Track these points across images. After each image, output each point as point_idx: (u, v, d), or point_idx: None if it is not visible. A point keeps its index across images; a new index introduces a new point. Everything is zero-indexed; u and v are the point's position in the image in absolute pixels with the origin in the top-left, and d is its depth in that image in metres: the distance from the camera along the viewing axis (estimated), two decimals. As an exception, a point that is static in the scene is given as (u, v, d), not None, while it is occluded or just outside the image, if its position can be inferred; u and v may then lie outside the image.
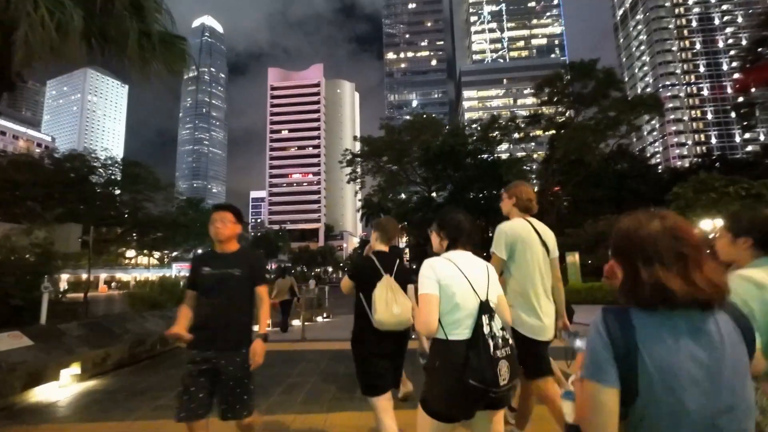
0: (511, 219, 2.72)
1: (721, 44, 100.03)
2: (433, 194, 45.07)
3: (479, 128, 33.58)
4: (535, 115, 29.34)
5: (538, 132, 33.07)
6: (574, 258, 12.67)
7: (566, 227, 31.75)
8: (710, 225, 19.37)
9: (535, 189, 40.22)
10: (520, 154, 37.25)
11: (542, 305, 2.51)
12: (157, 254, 67.33)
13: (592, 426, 0.93)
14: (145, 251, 64.43)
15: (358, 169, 45.72)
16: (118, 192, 26.25)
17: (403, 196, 50.19)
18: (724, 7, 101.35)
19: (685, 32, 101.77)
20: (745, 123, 21.51)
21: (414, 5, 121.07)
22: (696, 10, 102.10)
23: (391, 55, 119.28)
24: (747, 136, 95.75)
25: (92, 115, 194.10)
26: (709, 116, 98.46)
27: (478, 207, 40.48)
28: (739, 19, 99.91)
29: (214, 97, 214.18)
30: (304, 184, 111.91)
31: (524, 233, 2.58)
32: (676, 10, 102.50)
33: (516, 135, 30.60)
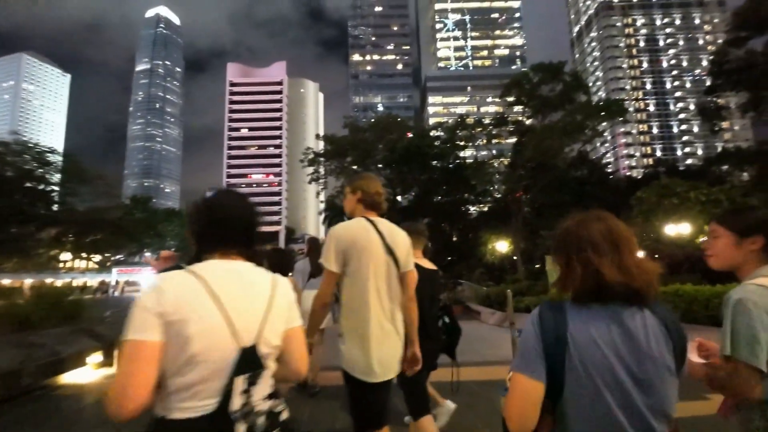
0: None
1: (665, 64, 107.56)
2: (398, 197, 44.11)
3: (446, 128, 32.88)
4: (502, 117, 28.96)
5: (503, 138, 32.86)
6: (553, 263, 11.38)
7: (531, 232, 31.65)
8: (674, 230, 19.42)
9: (500, 194, 40.23)
10: (485, 153, 37.05)
11: (382, 336, 1.93)
12: (97, 257, 61.55)
13: (514, 418, 0.94)
14: (83, 254, 58.57)
15: (321, 169, 43.89)
16: (49, 187, 22.72)
17: (367, 199, 48.72)
18: (668, 30, 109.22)
19: (634, 51, 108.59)
20: (712, 125, 22.03)
21: (380, 8, 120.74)
22: (643, 31, 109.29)
23: (356, 57, 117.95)
24: (687, 150, 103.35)
25: (28, 105, 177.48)
26: (655, 130, 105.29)
27: (445, 211, 39.92)
28: (681, 42, 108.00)
29: (168, 92, 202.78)
30: (265, 185, 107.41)
31: (362, 237, 1.97)
32: (626, 30, 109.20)
33: (482, 140, 30.10)
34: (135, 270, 52.09)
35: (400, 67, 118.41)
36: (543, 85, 25.09)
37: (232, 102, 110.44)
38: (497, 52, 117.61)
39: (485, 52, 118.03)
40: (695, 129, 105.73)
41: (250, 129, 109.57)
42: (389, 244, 2.01)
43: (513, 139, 34.26)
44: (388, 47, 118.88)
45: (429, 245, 3.26)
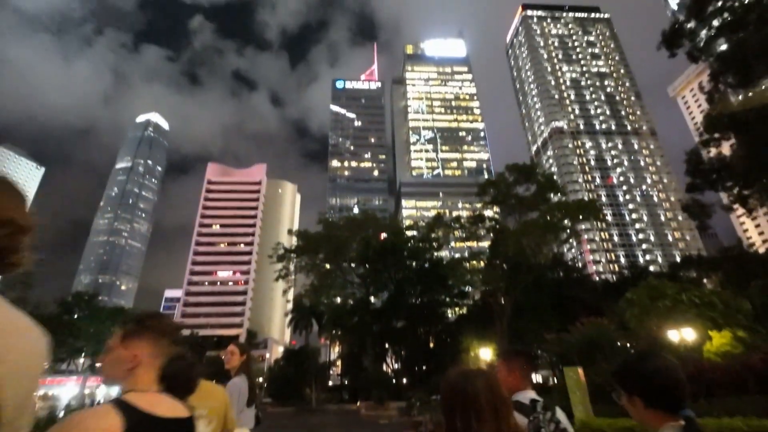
0: None
1: (615, 180, 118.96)
2: (372, 298, 41.43)
3: (425, 225, 32.40)
4: (479, 215, 28.84)
5: (478, 239, 32.57)
6: (576, 375, 7.75)
7: (514, 336, 29.11)
8: (676, 335, 17.72)
9: (478, 295, 38.29)
10: (458, 255, 36.12)
11: None
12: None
13: None
14: None
15: (291, 266, 41.52)
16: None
17: (338, 299, 45.82)
18: (613, 152, 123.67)
19: (587, 168, 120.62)
20: (701, 223, 22.17)
21: (359, 123, 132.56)
22: (592, 152, 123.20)
23: (335, 163, 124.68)
24: (648, 257, 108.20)
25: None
26: (616, 239, 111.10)
27: (420, 313, 37.21)
28: (625, 162, 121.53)
29: (144, 188, 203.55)
30: (230, 283, 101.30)
31: None
32: (578, 151, 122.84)
33: (456, 241, 29.61)
34: (56, 380, 42.99)
35: (376, 173, 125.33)
36: (518, 186, 25.53)
37: (207, 199, 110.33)
38: (465, 163, 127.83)
39: (455, 164, 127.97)
40: (652, 238, 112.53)
41: (222, 225, 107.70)
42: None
43: (488, 242, 34.06)
44: (366, 155, 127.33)
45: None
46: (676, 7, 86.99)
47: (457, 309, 43.14)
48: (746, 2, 14.34)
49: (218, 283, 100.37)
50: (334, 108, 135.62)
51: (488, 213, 29.59)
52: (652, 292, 19.65)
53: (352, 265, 40.88)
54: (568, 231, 24.90)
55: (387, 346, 41.12)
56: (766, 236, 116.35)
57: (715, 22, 15.18)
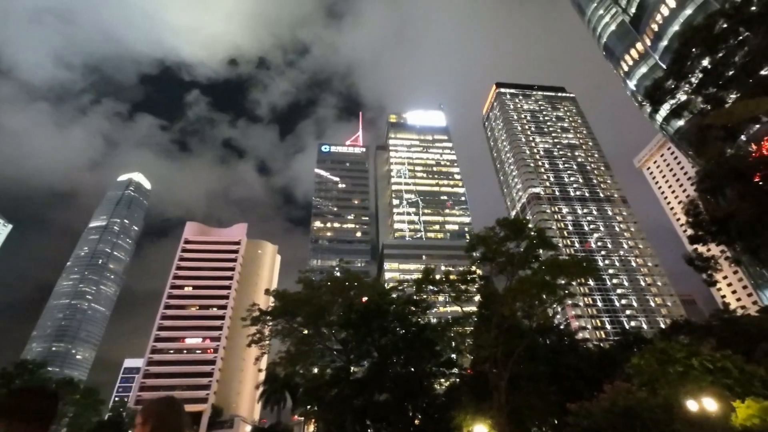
0: None
1: (593, 245, 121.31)
2: (352, 367, 38.02)
3: (411, 284, 30.71)
4: (469, 272, 27.54)
5: (466, 302, 31.01)
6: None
7: (512, 410, 26.34)
8: (695, 405, 15.93)
9: (467, 364, 35.63)
10: (444, 320, 34.15)
11: None
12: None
13: None
14: None
15: (266, 330, 38.18)
16: None
17: (315, 369, 41.98)
18: (589, 218, 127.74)
19: (565, 233, 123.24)
20: (708, 278, 21.30)
21: (344, 185, 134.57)
22: (569, 218, 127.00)
23: (318, 224, 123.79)
24: (633, 323, 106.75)
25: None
26: (599, 304, 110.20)
27: (406, 384, 34.02)
28: (601, 228, 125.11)
29: (117, 248, 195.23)
30: (198, 351, 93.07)
31: None
32: (555, 216, 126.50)
33: (449, 294, 27.89)
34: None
35: (359, 234, 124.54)
36: (508, 242, 24.74)
37: (182, 258, 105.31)
38: (447, 226, 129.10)
39: (437, 227, 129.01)
40: (635, 303, 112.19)
41: (195, 287, 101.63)
42: None
43: (474, 307, 32.46)
44: (349, 217, 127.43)
45: None
46: (634, 88, 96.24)
47: (443, 380, 39.94)
48: (717, 61, 15.31)
49: (185, 351, 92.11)
50: (319, 171, 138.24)
51: (478, 271, 28.45)
52: (660, 356, 18.18)
53: (333, 330, 38.06)
54: (564, 291, 23.75)
55: (368, 423, 37.03)
56: (743, 302, 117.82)
57: (693, 79, 16.06)
